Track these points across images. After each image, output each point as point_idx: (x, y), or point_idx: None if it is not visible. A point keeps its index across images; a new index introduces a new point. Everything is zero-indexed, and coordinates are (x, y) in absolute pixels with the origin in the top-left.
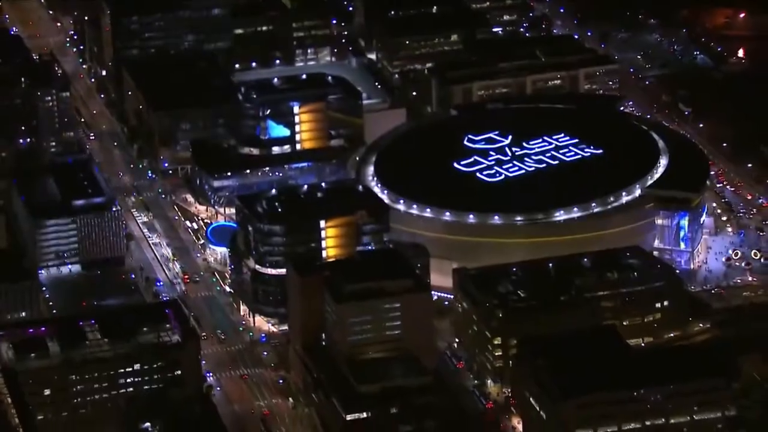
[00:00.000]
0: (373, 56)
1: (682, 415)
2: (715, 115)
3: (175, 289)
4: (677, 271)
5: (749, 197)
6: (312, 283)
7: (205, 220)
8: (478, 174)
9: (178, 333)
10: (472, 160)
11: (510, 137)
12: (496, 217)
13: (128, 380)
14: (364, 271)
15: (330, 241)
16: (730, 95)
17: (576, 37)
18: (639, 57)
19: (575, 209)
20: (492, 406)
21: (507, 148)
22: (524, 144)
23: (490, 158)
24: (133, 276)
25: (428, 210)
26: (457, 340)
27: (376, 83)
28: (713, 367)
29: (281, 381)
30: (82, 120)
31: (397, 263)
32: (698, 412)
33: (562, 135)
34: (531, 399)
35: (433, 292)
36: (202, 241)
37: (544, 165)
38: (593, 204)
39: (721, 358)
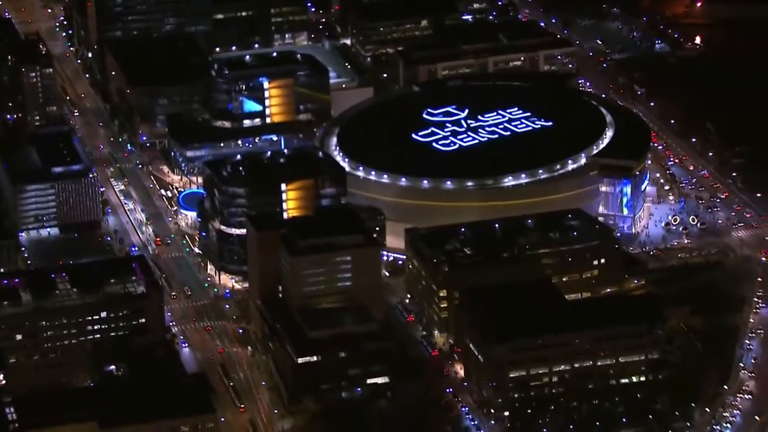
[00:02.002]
0: (348, 41)
1: (608, 358)
2: (666, 95)
3: (147, 250)
4: (618, 234)
5: (692, 168)
6: (269, 238)
7: (179, 188)
8: (434, 144)
9: (143, 284)
10: (429, 131)
11: (466, 111)
12: (449, 183)
13: (95, 327)
14: (318, 227)
15: (291, 203)
16: (682, 78)
17: (542, 24)
18: (599, 42)
19: (523, 175)
20: (437, 354)
21: (463, 121)
22: (479, 117)
23: (446, 129)
24: (109, 239)
25: (385, 176)
26: (408, 295)
27: (347, 64)
28: (639, 316)
29: (241, 331)
30: (68, 98)
31: (350, 221)
32: (623, 355)
33: (516, 109)
34: (470, 345)
35: (388, 253)
36: (175, 208)
37: (496, 135)
38: (540, 171)
39: (648, 309)
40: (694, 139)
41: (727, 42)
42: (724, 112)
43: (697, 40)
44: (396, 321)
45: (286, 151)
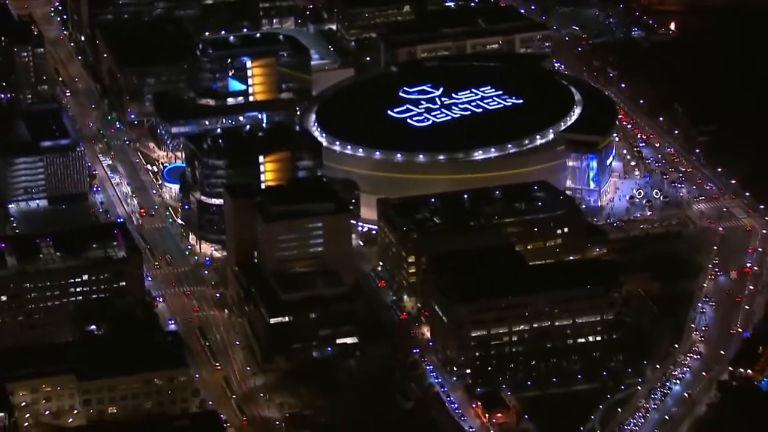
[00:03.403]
0: (334, 26)
1: (566, 319)
2: (637, 78)
3: (132, 221)
4: (584, 207)
5: (658, 146)
6: (244, 205)
7: (164, 164)
8: (408, 120)
9: (123, 250)
10: (404, 108)
11: (441, 89)
12: (421, 156)
13: (77, 289)
14: (292, 195)
15: (268, 175)
16: (653, 61)
17: (522, 11)
18: (577, 28)
19: (492, 150)
20: (405, 317)
21: (437, 99)
22: (453, 95)
23: (420, 106)
24: (100, 210)
25: (360, 150)
26: (380, 263)
27: (330, 47)
28: (596, 280)
29: (218, 295)
30: (61, 79)
31: (322, 189)
32: (580, 316)
33: (489, 87)
34: (436, 306)
35: (363, 224)
36: (160, 182)
37: (468, 112)
38: (509, 145)
39: (605, 273)
40: (661, 118)
41: (700, 28)
42: (692, 94)
43: (672, 26)
44: (368, 287)
45: (264, 125)
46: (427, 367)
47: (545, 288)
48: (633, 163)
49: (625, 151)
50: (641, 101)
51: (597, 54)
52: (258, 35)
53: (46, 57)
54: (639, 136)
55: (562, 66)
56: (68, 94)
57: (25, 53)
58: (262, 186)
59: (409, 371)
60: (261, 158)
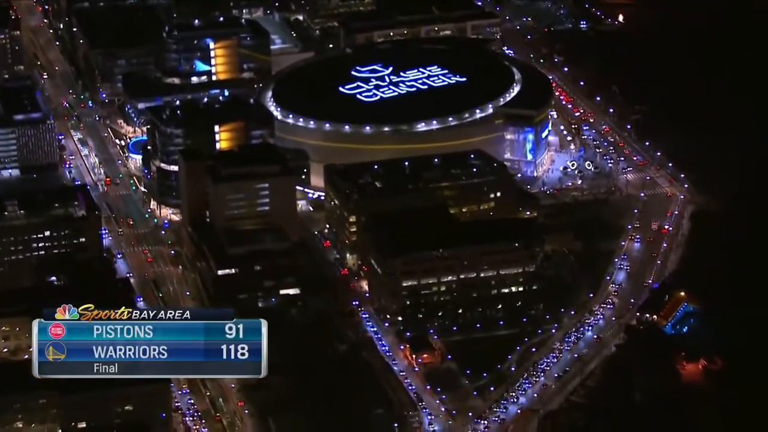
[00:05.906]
0: (300, 16)
1: (490, 270)
2: (580, 63)
3: (98, 189)
4: (519, 176)
5: (593, 122)
6: (196, 168)
7: (131, 137)
8: (358, 95)
9: (83, 209)
10: (355, 85)
11: (391, 68)
12: (367, 128)
13: (40, 245)
14: (241, 159)
15: (223, 143)
16: (597, 49)
17: (479, 4)
18: (529, 19)
19: (434, 122)
20: (346, 272)
21: (386, 77)
22: (401, 73)
23: (370, 84)
24: (69, 179)
25: (312, 122)
26: (327, 225)
27: (293, 33)
28: (519, 236)
29: (173, 253)
30: (39, 63)
31: (270, 154)
32: (503, 268)
33: (435, 67)
34: (372, 260)
35: (313, 191)
36: (126, 154)
37: (414, 89)
38: (450, 119)
39: (528, 230)
40: (598, 98)
41: (646, 20)
42: (629, 77)
43: (620, 17)
44: (315, 247)
45: (221, 98)
46: (363, 315)
47: (471, 242)
48: (569, 138)
49: (562, 128)
50: (581, 83)
51: (545, 42)
52: (221, 19)
53: (22, 39)
54: (576, 114)
55: (512, 52)
56: (45, 76)
57: (3, 35)
58: None
59: (347, 319)
60: (216, 128)
